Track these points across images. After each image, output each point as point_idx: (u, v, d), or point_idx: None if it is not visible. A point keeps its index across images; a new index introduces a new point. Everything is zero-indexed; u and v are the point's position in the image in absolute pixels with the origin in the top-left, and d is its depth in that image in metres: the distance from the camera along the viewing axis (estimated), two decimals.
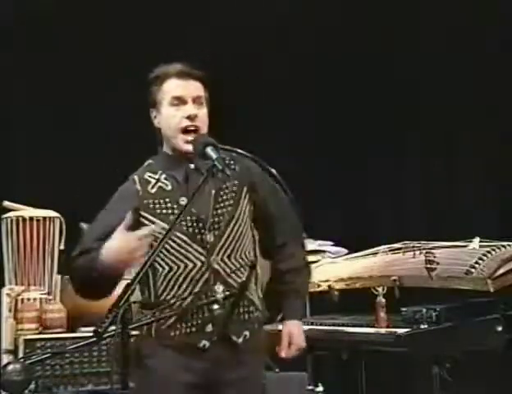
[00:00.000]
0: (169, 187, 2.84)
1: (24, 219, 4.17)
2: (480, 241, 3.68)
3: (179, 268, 2.77)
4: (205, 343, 2.75)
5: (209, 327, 2.75)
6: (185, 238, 2.78)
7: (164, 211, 2.80)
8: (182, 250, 2.78)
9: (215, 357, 2.76)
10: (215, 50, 5.11)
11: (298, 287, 3.03)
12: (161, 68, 2.92)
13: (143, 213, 2.79)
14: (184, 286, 2.76)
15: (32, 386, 3.68)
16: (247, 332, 2.82)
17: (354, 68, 5.26)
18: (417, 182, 5.34)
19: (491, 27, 5.03)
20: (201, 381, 2.75)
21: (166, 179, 2.85)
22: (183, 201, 2.79)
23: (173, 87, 2.87)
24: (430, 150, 5.29)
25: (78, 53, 4.98)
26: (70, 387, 3.90)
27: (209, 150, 2.68)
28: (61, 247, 4.20)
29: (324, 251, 4.32)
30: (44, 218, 4.20)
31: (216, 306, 2.76)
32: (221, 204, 2.83)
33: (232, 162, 2.86)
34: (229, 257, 2.81)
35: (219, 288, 2.76)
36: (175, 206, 2.80)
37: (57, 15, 4.95)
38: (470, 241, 3.70)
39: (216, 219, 2.80)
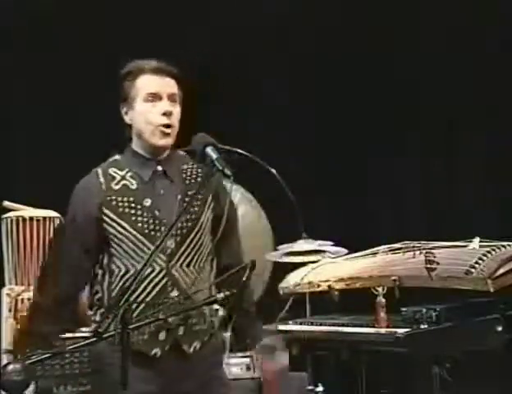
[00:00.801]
0: (134, 186, 2.79)
1: (24, 219, 4.18)
2: (480, 241, 3.67)
3: (136, 270, 2.71)
4: (157, 351, 2.72)
5: (162, 335, 2.73)
6: (145, 241, 2.73)
7: (126, 209, 2.75)
8: (141, 253, 2.73)
9: (166, 367, 2.73)
10: (215, 50, 5.12)
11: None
12: (134, 63, 2.85)
13: (104, 210, 2.75)
14: (139, 289, 2.71)
15: (32, 386, 3.68)
16: (197, 343, 2.78)
17: (354, 68, 5.26)
18: (417, 182, 5.34)
19: (491, 27, 5.03)
20: (156, 391, 2.72)
21: (131, 177, 2.80)
22: (147, 203, 2.76)
23: (148, 83, 2.81)
24: (430, 150, 5.29)
25: (78, 53, 4.99)
26: (70, 387, 3.90)
27: (209, 150, 2.66)
28: None
29: (324, 251, 4.31)
30: (44, 218, 4.21)
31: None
32: (186, 211, 2.77)
33: (200, 170, 2.84)
34: (188, 265, 2.78)
35: (175, 294, 2.73)
36: (138, 206, 2.76)
37: (57, 15, 4.95)
38: (470, 241, 3.70)
39: (178, 225, 2.75)
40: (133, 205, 2.76)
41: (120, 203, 2.76)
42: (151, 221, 2.75)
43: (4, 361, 3.76)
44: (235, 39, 5.17)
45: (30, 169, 4.91)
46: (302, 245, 4.33)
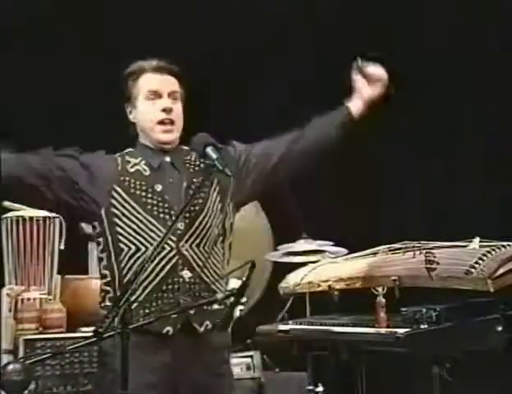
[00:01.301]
0: (147, 172, 2.87)
1: (24, 219, 4.18)
2: (480, 241, 3.67)
3: (147, 249, 2.76)
4: (169, 329, 2.75)
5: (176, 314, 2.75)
6: (154, 222, 2.80)
7: (138, 192, 2.83)
8: (151, 233, 2.79)
9: (178, 346, 2.75)
10: (215, 50, 5.12)
11: None
12: (136, 63, 2.95)
13: (116, 188, 2.82)
14: (150, 268, 2.74)
15: (32, 386, 3.68)
16: (209, 323, 2.81)
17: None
18: (417, 182, 5.34)
19: (491, 27, 5.03)
20: (161, 380, 2.73)
21: (145, 164, 2.89)
22: (158, 188, 2.83)
23: (149, 81, 2.90)
24: (430, 150, 5.29)
25: (78, 53, 4.98)
26: (70, 387, 3.90)
27: (209, 150, 2.69)
28: (62, 247, 4.20)
29: (324, 251, 4.32)
30: (44, 218, 4.20)
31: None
32: (194, 197, 2.82)
33: (201, 160, 2.87)
34: (198, 245, 2.83)
35: (186, 274, 2.78)
36: (149, 190, 2.83)
37: (57, 15, 4.95)
38: (470, 241, 3.70)
39: (187, 209, 2.80)
40: (144, 188, 2.84)
41: (132, 185, 2.84)
42: (161, 204, 2.82)
43: (4, 361, 3.76)
44: (234, 39, 5.17)
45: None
46: (302, 245, 4.34)
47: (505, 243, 3.60)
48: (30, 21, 4.94)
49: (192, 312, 2.78)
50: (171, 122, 2.88)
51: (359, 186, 5.29)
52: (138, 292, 2.74)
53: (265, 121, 5.24)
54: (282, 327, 3.81)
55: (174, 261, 2.78)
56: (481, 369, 4.24)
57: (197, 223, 2.84)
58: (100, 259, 2.86)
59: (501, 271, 3.44)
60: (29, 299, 4.08)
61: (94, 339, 2.30)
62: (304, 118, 5.06)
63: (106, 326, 2.29)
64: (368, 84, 3.10)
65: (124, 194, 2.82)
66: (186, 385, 2.77)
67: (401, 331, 3.35)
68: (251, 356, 4.48)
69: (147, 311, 2.75)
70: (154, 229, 2.79)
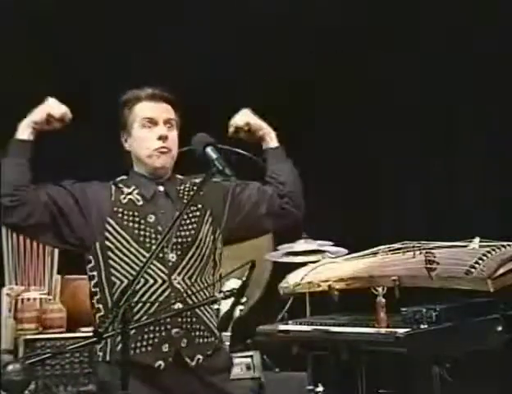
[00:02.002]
0: (140, 203, 2.85)
1: None
2: (480, 241, 3.67)
3: (138, 282, 2.70)
4: (160, 363, 2.72)
5: (165, 347, 2.73)
6: (147, 255, 2.73)
7: (130, 224, 2.80)
8: (135, 265, 2.74)
9: (169, 381, 2.73)
10: (215, 50, 5.12)
11: None
12: (132, 92, 2.94)
13: (109, 220, 2.80)
14: (141, 302, 2.72)
15: (32, 386, 3.69)
16: (200, 356, 2.78)
17: (353, 68, 5.26)
18: (417, 182, 5.34)
19: (491, 27, 5.03)
20: None
21: (138, 194, 2.87)
22: (151, 219, 2.81)
23: (144, 109, 2.90)
24: (430, 150, 5.29)
25: (78, 53, 4.98)
26: (70, 387, 3.91)
27: (209, 150, 2.67)
28: None
29: (324, 251, 4.32)
30: None
31: (175, 329, 2.75)
32: (185, 227, 2.84)
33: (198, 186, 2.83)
34: (190, 278, 2.81)
35: (178, 307, 2.75)
36: (142, 221, 2.81)
37: (57, 15, 4.95)
38: (470, 241, 3.70)
39: (179, 240, 2.80)
40: (137, 219, 2.81)
41: (125, 217, 2.82)
42: (153, 235, 2.79)
43: (4, 361, 3.76)
44: (234, 40, 5.17)
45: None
46: (302, 245, 4.34)
47: (505, 243, 3.60)
48: (30, 21, 4.94)
49: (183, 345, 2.75)
50: (167, 151, 2.88)
51: (359, 186, 5.29)
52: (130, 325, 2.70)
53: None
54: (282, 327, 3.81)
55: (166, 294, 2.75)
56: (481, 369, 4.24)
57: (189, 255, 2.82)
58: (94, 293, 2.80)
59: (501, 271, 3.44)
60: (29, 299, 4.09)
61: (94, 339, 2.30)
62: (304, 118, 5.07)
63: (106, 326, 2.28)
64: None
65: (117, 227, 2.79)
66: None
67: (401, 331, 3.35)
68: (251, 356, 4.47)
69: (138, 344, 2.71)
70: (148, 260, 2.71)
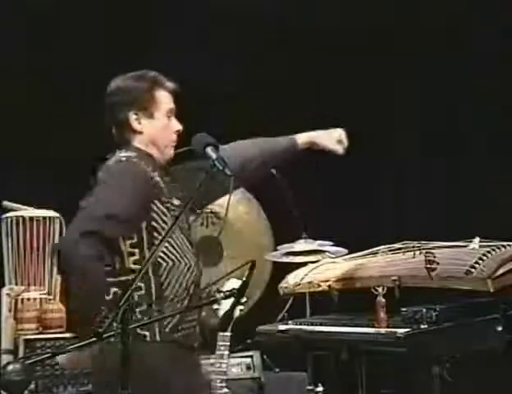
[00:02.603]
0: (162, 185, 2.86)
1: (24, 219, 4.18)
2: (480, 241, 3.67)
3: (180, 263, 2.81)
4: (196, 344, 2.88)
5: (198, 328, 2.88)
6: (184, 238, 2.84)
7: (166, 205, 2.82)
8: (184, 248, 2.84)
9: (197, 360, 2.94)
10: (215, 50, 5.12)
11: None
12: (153, 75, 2.92)
13: (160, 206, 2.80)
14: (184, 283, 2.82)
15: (32, 386, 3.69)
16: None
17: (354, 68, 5.26)
18: (417, 182, 5.33)
19: (491, 27, 5.03)
20: (196, 381, 2.87)
21: (157, 175, 2.86)
22: (176, 201, 2.85)
23: (168, 99, 2.92)
24: (430, 150, 5.29)
25: (78, 53, 4.98)
26: (70, 387, 3.91)
27: (209, 150, 2.69)
28: None
29: (324, 251, 4.31)
30: (44, 218, 4.21)
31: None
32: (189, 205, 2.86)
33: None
34: (197, 262, 2.94)
35: (202, 291, 2.91)
36: (169, 204, 2.84)
37: (57, 15, 4.95)
38: (470, 241, 3.70)
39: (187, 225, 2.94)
40: (167, 201, 2.84)
41: (162, 198, 2.82)
42: (181, 217, 2.79)
43: (4, 361, 3.76)
44: (234, 40, 5.18)
45: (30, 169, 4.91)
46: (302, 245, 4.33)
47: (505, 243, 3.60)
48: (30, 21, 4.95)
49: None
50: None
51: (359, 186, 5.29)
52: (169, 309, 2.78)
53: (265, 120, 5.25)
54: (282, 327, 3.81)
55: (195, 277, 2.87)
56: (481, 369, 4.24)
57: (191, 240, 2.93)
58: (132, 271, 2.78)
59: (501, 271, 3.44)
60: (29, 299, 4.09)
61: (94, 339, 2.30)
62: (304, 117, 5.07)
63: (106, 326, 2.29)
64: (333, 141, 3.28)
65: (161, 207, 2.81)
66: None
67: (401, 331, 3.35)
68: (251, 356, 4.48)
69: (180, 326, 2.81)
70: (184, 245, 2.85)
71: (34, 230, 4.19)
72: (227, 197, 2.88)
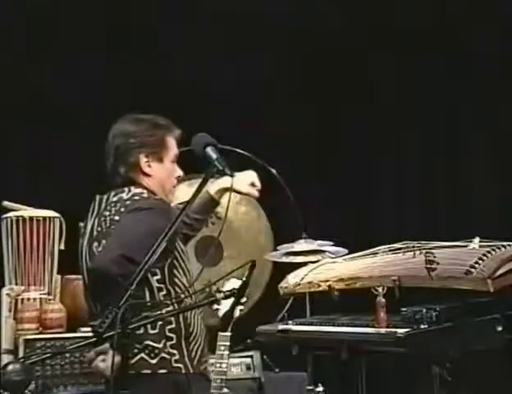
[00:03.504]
0: None
1: (24, 219, 4.18)
2: (480, 241, 3.67)
3: (187, 279, 3.01)
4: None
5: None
6: (187, 262, 3.05)
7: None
8: (188, 276, 3.03)
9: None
10: (215, 50, 5.12)
11: None
12: (167, 121, 3.06)
13: (180, 244, 3.03)
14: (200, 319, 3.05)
15: (32, 386, 3.69)
16: None
17: (354, 68, 5.26)
18: (416, 182, 5.33)
19: (491, 27, 5.03)
20: None
21: None
22: None
23: (174, 145, 3.05)
24: (430, 150, 5.29)
25: (78, 53, 4.99)
26: (70, 387, 3.91)
27: (209, 150, 2.68)
28: (61, 247, 4.21)
29: (324, 251, 4.31)
30: (44, 218, 4.21)
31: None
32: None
33: None
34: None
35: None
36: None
37: (57, 15, 4.96)
38: (470, 241, 3.70)
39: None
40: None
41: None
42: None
43: (4, 361, 3.76)
44: (234, 39, 5.18)
45: (30, 169, 4.91)
46: (302, 245, 4.33)
47: (505, 243, 3.60)
48: (30, 21, 4.95)
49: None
50: None
51: (359, 186, 5.29)
52: (199, 342, 3.00)
53: (265, 120, 5.25)
54: (282, 327, 3.81)
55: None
56: (481, 369, 4.24)
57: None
58: (159, 289, 2.93)
59: (501, 271, 3.43)
60: (29, 299, 4.09)
61: (94, 339, 2.30)
62: (304, 117, 5.06)
63: (106, 326, 2.29)
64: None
65: (181, 245, 3.05)
66: None
67: (401, 331, 3.34)
68: (251, 356, 4.48)
69: (202, 356, 3.01)
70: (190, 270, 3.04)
71: (34, 230, 4.19)
72: (227, 197, 2.89)
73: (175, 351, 2.89)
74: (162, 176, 3.02)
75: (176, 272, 2.95)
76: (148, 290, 2.87)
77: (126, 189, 2.96)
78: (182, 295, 2.92)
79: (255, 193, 3.27)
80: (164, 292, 2.92)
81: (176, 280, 2.95)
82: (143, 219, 2.82)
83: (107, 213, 2.93)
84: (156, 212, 2.84)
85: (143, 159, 2.98)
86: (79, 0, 5.02)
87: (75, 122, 4.97)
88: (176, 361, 2.89)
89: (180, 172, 3.07)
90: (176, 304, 2.91)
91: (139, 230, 2.78)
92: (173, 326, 2.90)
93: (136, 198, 2.92)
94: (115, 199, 2.95)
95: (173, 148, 3.04)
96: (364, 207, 5.31)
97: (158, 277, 2.92)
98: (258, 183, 3.25)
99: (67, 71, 4.94)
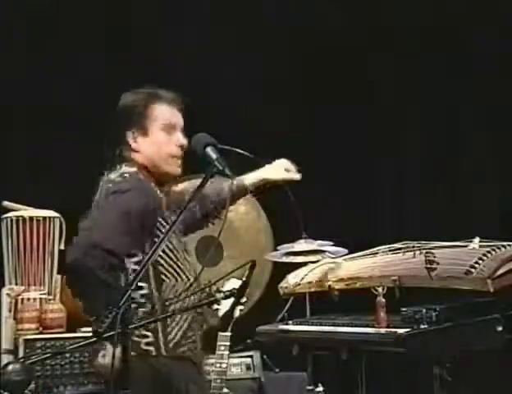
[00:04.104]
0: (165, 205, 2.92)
1: (24, 219, 4.18)
2: (480, 241, 3.67)
3: (182, 280, 2.87)
4: (201, 360, 2.96)
5: (199, 345, 2.93)
6: (182, 254, 2.90)
7: (169, 221, 2.85)
8: (186, 263, 2.90)
9: (198, 371, 2.96)
10: (215, 50, 5.12)
11: None
12: (149, 90, 2.90)
13: (163, 222, 2.83)
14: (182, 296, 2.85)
15: (32, 386, 3.69)
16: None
17: (354, 67, 5.26)
18: (417, 182, 5.33)
19: (491, 27, 5.03)
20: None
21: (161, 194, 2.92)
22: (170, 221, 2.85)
23: (166, 113, 2.88)
24: (430, 150, 5.29)
25: (78, 53, 4.98)
26: (70, 387, 3.91)
27: (209, 150, 2.67)
28: (61, 247, 4.20)
29: (324, 251, 4.31)
30: (44, 218, 4.21)
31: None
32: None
33: None
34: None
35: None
36: (169, 222, 2.86)
37: (57, 15, 4.95)
38: (470, 241, 3.70)
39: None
40: (168, 221, 2.85)
41: (166, 214, 2.86)
42: (179, 236, 2.92)
43: (4, 361, 3.76)
44: (234, 39, 5.18)
45: (30, 169, 4.91)
46: (302, 245, 4.33)
47: (505, 243, 3.60)
48: (30, 21, 4.95)
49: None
50: (182, 158, 2.91)
51: (359, 186, 5.29)
52: (180, 325, 2.85)
53: (265, 120, 5.25)
54: (282, 327, 3.81)
55: (193, 290, 2.89)
56: (481, 369, 4.24)
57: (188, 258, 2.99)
58: (139, 288, 2.82)
59: (501, 271, 3.43)
60: (29, 299, 4.08)
61: (94, 339, 2.30)
62: (305, 117, 5.07)
63: (106, 326, 2.29)
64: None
65: (166, 225, 2.82)
66: None
67: (401, 331, 3.35)
68: (251, 356, 4.47)
69: (189, 342, 2.87)
70: (183, 260, 2.90)
71: (34, 230, 4.18)
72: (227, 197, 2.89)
73: (148, 333, 2.78)
74: (150, 151, 2.86)
75: (161, 253, 2.80)
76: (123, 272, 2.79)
77: (118, 167, 2.87)
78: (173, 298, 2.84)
79: (295, 175, 3.16)
80: (145, 291, 2.82)
81: (161, 260, 2.82)
82: (117, 204, 2.74)
83: (97, 197, 2.87)
84: (132, 194, 2.76)
85: (129, 135, 2.87)
86: (79, 0, 5.02)
87: (75, 122, 4.96)
88: (147, 344, 2.78)
89: (182, 141, 2.88)
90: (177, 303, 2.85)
91: (111, 216, 2.71)
92: (147, 310, 2.82)
93: (118, 179, 2.82)
94: (106, 180, 2.86)
95: (162, 117, 2.86)
96: (364, 207, 5.31)
97: (138, 258, 2.79)
98: (292, 167, 3.16)
99: (67, 71, 4.94)
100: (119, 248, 2.67)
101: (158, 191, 2.89)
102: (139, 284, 2.81)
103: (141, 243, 2.76)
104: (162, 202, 2.87)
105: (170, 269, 2.84)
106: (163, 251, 2.81)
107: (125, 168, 2.86)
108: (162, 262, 2.84)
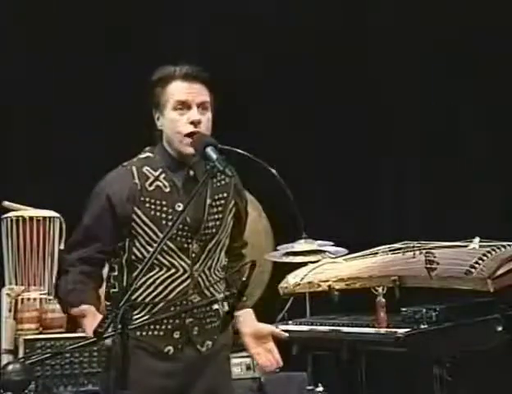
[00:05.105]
0: (167, 189, 2.79)
1: (24, 219, 4.18)
2: (480, 241, 3.67)
3: (161, 270, 2.75)
4: (170, 349, 2.77)
5: (177, 334, 2.78)
6: (171, 245, 2.75)
7: (158, 213, 2.76)
8: (167, 256, 2.76)
9: (178, 367, 2.78)
10: (215, 50, 5.12)
11: None
12: (166, 69, 2.84)
13: (136, 210, 2.75)
14: (160, 288, 2.76)
15: (32, 386, 3.69)
16: (209, 342, 2.84)
17: (354, 67, 5.26)
18: (417, 182, 5.33)
19: (490, 27, 5.03)
20: (173, 384, 2.77)
21: (165, 179, 2.80)
22: (179, 207, 2.76)
23: (178, 90, 2.79)
24: (430, 150, 5.29)
25: (78, 53, 4.98)
26: (70, 387, 3.91)
27: (209, 150, 2.65)
28: (61, 247, 4.20)
29: (324, 251, 4.31)
30: (44, 218, 4.21)
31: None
32: (212, 216, 2.83)
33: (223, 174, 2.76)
34: (209, 269, 2.83)
35: (195, 298, 2.78)
36: (170, 210, 2.76)
37: (57, 15, 4.96)
38: (470, 241, 3.70)
39: (205, 230, 2.81)
40: (165, 209, 2.77)
41: (153, 206, 2.77)
42: (181, 226, 2.75)
43: (4, 361, 3.76)
44: (234, 39, 5.18)
45: (30, 169, 4.91)
46: (302, 245, 4.33)
47: (505, 243, 3.60)
48: (30, 21, 4.95)
49: (195, 332, 2.80)
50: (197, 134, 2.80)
51: (359, 186, 5.29)
52: (144, 312, 2.75)
53: (265, 120, 5.25)
54: (282, 327, 3.81)
55: (185, 285, 2.78)
56: (481, 369, 4.24)
57: (210, 246, 2.83)
58: (112, 269, 2.83)
59: (501, 271, 3.44)
60: (29, 299, 4.08)
61: (94, 339, 2.30)
62: (305, 117, 5.06)
63: (106, 326, 2.29)
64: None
65: (144, 217, 2.75)
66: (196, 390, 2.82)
67: (401, 331, 3.35)
68: (251, 356, 4.47)
69: (151, 327, 2.75)
70: (170, 252, 2.76)
71: (34, 230, 4.19)
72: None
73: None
74: (167, 129, 2.80)
75: (135, 241, 2.76)
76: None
77: (147, 148, 2.90)
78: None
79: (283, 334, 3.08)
80: (115, 273, 2.80)
81: (135, 250, 2.76)
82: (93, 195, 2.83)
83: None
84: (107, 182, 2.81)
85: (155, 116, 2.84)
86: (79, 0, 5.02)
87: (75, 122, 4.96)
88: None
89: (193, 117, 2.76)
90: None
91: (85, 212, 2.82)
92: (116, 290, 2.80)
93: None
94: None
95: (173, 95, 2.78)
96: (364, 207, 5.31)
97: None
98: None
99: (67, 71, 4.94)
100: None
101: (163, 178, 2.81)
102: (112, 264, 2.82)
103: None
104: (150, 191, 2.79)
105: (144, 259, 2.74)
106: (138, 239, 2.76)
107: (140, 154, 2.88)
108: (135, 250, 2.78)
